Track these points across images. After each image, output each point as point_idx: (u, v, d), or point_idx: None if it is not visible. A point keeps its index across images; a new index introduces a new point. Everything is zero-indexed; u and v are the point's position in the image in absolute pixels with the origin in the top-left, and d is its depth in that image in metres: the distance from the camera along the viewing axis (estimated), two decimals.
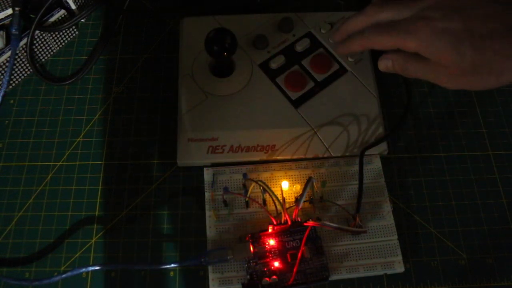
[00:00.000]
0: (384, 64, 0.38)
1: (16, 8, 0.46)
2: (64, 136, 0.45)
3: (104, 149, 0.45)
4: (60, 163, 0.44)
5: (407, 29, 0.34)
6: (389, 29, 0.36)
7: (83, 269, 0.38)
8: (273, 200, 0.38)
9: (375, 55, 0.47)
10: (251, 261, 0.37)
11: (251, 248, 0.37)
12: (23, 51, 0.47)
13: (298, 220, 0.38)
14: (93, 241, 0.40)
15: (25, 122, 0.46)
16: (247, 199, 0.40)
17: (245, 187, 0.41)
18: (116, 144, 0.45)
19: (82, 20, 0.50)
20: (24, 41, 0.47)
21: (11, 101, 0.47)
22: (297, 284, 0.36)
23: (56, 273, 0.39)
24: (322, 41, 0.47)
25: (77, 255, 0.40)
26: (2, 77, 0.46)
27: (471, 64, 0.32)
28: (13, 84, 0.48)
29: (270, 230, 0.38)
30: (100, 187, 0.43)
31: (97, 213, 0.42)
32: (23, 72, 0.48)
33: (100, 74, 0.49)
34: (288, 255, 0.37)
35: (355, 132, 0.43)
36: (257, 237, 0.37)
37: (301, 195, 0.38)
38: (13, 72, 0.47)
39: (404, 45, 0.35)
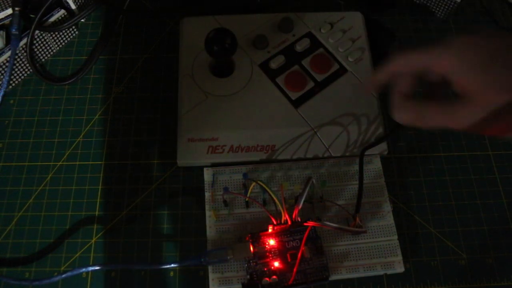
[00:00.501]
0: (400, 113, 0.34)
1: (16, 8, 0.46)
2: (64, 136, 0.45)
3: (104, 149, 0.45)
4: (60, 163, 0.44)
5: (438, 43, 0.31)
6: (418, 48, 0.33)
7: (83, 269, 0.38)
8: (273, 200, 0.38)
9: (375, 55, 0.47)
10: (251, 261, 0.37)
11: (251, 248, 0.37)
12: (23, 51, 0.47)
13: (298, 220, 0.38)
14: (93, 241, 0.40)
15: (25, 122, 0.46)
16: (247, 199, 0.40)
17: (245, 187, 0.41)
18: (116, 144, 0.45)
19: (82, 20, 0.50)
20: (24, 41, 0.47)
21: (11, 101, 0.47)
22: (297, 284, 0.36)
23: (56, 273, 0.39)
24: (322, 41, 0.47)
25: (77, 255, 0.40)
26: (2, 77, 0.46)
27: (482, 84, 0.29)
28: (13, 84, 0.48)
29: (270, 230, 0.38)
30: (100, 187, 0.43)
31: (97, 213, 0.42)
32: (23, 72, 0.48)
33: (100, 74, 0.49)
34: (288, 255, 0.37)
35: (355, 132, 0.43)
36: (257, 237, 0.37)
37: (301, 195, 0.38)
38: (13, 72, 0.47)
39: (434, 61, 0.32)
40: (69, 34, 0.50)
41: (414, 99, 0.34)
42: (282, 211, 0.38)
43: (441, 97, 0.35)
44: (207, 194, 0.41)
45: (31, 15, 0.47)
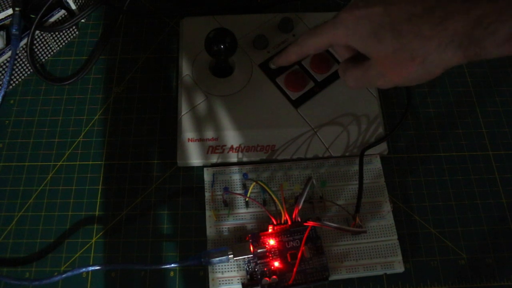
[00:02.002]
0: (339, 73, 0.39)
1: (17, 8, 0.46)
2: (64, 136, 0.45)
3: (104, 149, 0.45)
4: (60, 163, 0.44)
5: (334, 21, 0.35)
6: (318, 27, 0.37)
7: (83, 269, 0.38)
8: (273, 200, 0.38)
9: None
10: (251, 261, 0.37)
11: (251, 248, 0.37)
12: (23, 51, 0.47)
13: (298, 220, 0.38)
14: (93, 241, 0.41)
15: (25, 122, 0.46)
16: (247, 199, 0.40)
17: (245, 187, 0.41)
18: (116, 144, 0.45)
19: (82, 20, 0.50)
20: (24, 41, 0.47)
21: (11, 101, 0.47)
22: (297, 284, 0.36)
23: (56, 273, 0.39)
24: None
25: (77, 255, 0.40)
26: (2, 77, 0.46)
27: (392, 50, 0.32)
28: (13, 84, 0.48)
29: (270, 230, 0.38)
30: (100, 187, 0.43)
31: (97, 213, 0.42)
32: (23, 72, 0.48)
33: (100, 74, 0.49)
34: (288, 255, 0.37)
35: (355, 132, 0.43)
36: (257, 237, 0.37)
37: (301, 195, 0.38)
38: (13, 72, 0.47)
39: (334, 39, 0.35)
40: (69, 34, 0.50)
41: (346, 61, 0.38)
42: (282, 211, 0.38)
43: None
44: (207, 194, 0.41)
45: (32, 15, 0.47)
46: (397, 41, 0.31)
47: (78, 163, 0.44)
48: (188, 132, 0.43)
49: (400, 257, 0.38)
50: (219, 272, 0.37)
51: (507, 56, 0.28)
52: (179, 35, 0.48)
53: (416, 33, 0.30)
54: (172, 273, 0.39)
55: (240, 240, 0.39)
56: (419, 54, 0.31)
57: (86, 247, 0.40)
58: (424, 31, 0.30)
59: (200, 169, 0.43)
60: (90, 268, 0.38)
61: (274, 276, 0.36)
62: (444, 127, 0.46)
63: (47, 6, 0.47)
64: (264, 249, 0.37)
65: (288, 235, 0.38)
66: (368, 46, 0.33)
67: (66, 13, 0.49)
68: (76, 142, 0.45)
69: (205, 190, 0.41)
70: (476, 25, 0.28)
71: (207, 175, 0.41)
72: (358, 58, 0.37)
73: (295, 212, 0.38)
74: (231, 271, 0.37)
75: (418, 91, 0.48)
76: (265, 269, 0.37)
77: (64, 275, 0.37)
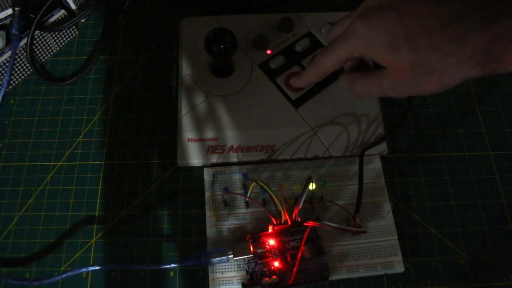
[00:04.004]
0: (340, 84, 0.39)
1: (16, 8, 0.46)
2: (64, 136, 0.45)
3: (104, 149, 0.45)
4: (60, 163, 0.44)
5: (346, 34, 0.34)
6: (331, 43, 0.36)
7: (83, 269, 0.38)
8: (273, 200, 0.38)
9: None
10: (251, 261, 0.37)
11: (251, 248, 0.37)
12: (23, 51, 0.47)
13: (298, 220, 0.38)
14: (93, 241, 0.41)
15: (25, 122, 0.46)
16: (247, 199, 0.40)
17: (245, 187, 0.41)
18: (116, 144, 0.45)
19: (82, 20, 0.50)
20: (24, 41, 0.47)
21: (11, 101, 0.47)
22: (297, 284, 0.36)
23: (56, 273, 0.39)
24: (322, 41, 0.47)
25: (77, 255, 0.40)
26: (2, 77, 0.46)
27: (409, 63, 0.31)
28: (13, 84, 0.48)
29: (270, 230, 0.38)
30: (100, 187, 0.43)
31: (97, 213, 0.42)
32: (23, 72, 0.48)
33: (100, 74, 0.49)
34: (288, 255, 0.37)
35: (355, 132, 0.43)
36: (257, 237, 0.37)
37: (301, 195, 0.38)
38: (13, 72, 0.47)
39: (348, 52, 0.35)
40: (69, 34, 0.50)
41: (352, 71, 0.38)
42: (282, 211, 0.38)
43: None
44: (207, 194, 0.41)
45: (31, 15, 0.47)
46: (415, 54, 0.31)
47: (78, 163, 0.44)
48: (188, 132, 0.43)
49: (400, 257, 0.38)
50: (219, 272, 0.37)
51: None
52: (179, 35, 0.48)
53: (435, 48, 0.30)
54: (172, 273, 0.39)
55: (240, 240, 0.39)
56: (437, 69, 0.30)
57: (86, 247, 0.40)
58: (443, 46, 0.30)
59: (200, 169, 0.43)
60: (90, 268, 0.38)
61: (274, 276, 0.36)
62: (444, 127, 0.46)
63: (47, 6, 0.47)
64: (264, 249, 0.37)
65: (288, 235, 0.38)
66: (384, 57, 0.32)
67: (66, 13, 0.49)
68: (76, 142, 0.45)
69: (205, 190, 0.41)
70: (494, 43, 0.28)
71: (207, 175, 0.41)
72: (365, 67, 0.36)
73: (295, 212, 0.38)
74: (231, 271, 0.37)
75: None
76: (265, 269, 0.37)
77: (64, 275, 0.37)
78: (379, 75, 0.34)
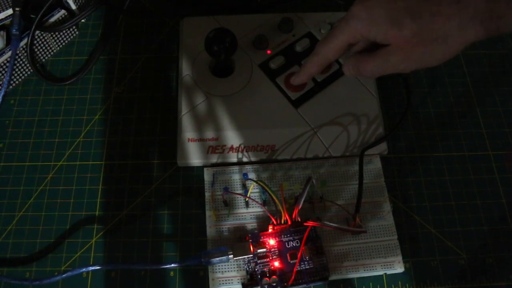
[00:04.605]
0: (345, 70, 0.39)
1: (17, 8, 0.46)
2: (65, 136, 0.45)
3: (104, 149, 0.45)
4: (61, 163, 0.44)
5: (346, 18, 0.34)
6: (331, 30, 0.36)
7: (84, 269, 0.38)
8: (273, 200, 0.38)
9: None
10: (251, 261, 0.37)
11: (251, 248, 0.37)
12: (23, 51, 0.47)
13: (298, 220, 0.38)
14: (93, 241, 0.41)
15: (25, 122, 0.46)
16: (247, 199, 0.40)
17: (245, 187, 0.41)
18: (116, 144, 0.45)
19: (83, 20, 0.50)
20: (25, 41, 0.47)
21: (12, 101, 0.47)
22: (297, 284, 0.36)
23: (56, 273, 0.39)
24: None
25: (77, 255, 0.40)
26: (2, 77, 0.46)
27: (412, 34, 0.31)
28: (14, 84, 0.48)
29: (270, 230, 0.38)
30: (100, 187, 0.43)
31: (97, 213, 0.42)
32: (24, 72, 0.48)
33: (100, 74, 0.49)
34: (288, 255, 0.37)
35: (355, 132, 0.43)
36: (257, 237, 0.37)
37: (301, 195, 0.38)
38: (14, 72, 0.47)
39: (350, 36, 0.35)
40: (70, 34, 0.50)
41: (355, 54, 0.38)
42: (282, 211, 0.38)
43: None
44: (207, 194, 0.41)
45: (32, 15, 0.47)
46: (416, 24, 0.31)
47: (78, 163, 0.44)
48: (188, 132, 0.43)
49: (400, 257, 0.38)
50: (219, 272, 0.37)
51: None
52: (179, 35, 0.49)
53: (435, 13, 0.30)
54: (172, 273, 0.39)
55: (240, 240, 0.39)
56: (440, 34, 0.30)
57: (86, 247, 0.40)
58: (443, 10, 0.30)
59: (200, 169, 0.43)
60: (90, 268, 0.38)
61: (274, 276, 0.36)
62: (444, 127, 0.46)
63: (47, 6, 0.47)
64: (264, 249, 0.37)
65: (288, 235, 0.38)
66: (387, 34, 0.33)
67: (66, 13, 0.49)
68: (76, 142, 0.45)
69: (205, 190, 0.41)
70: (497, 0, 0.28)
71: (207, 175, 0.41)
72: (369, 48, 0.36)
73: (295, 212, 0.38)
74: (231, 271, 0.37)
75: (418, 91, 0.48)
76: (265, 269, 0.37)
77: (64, 275, 0.37)
78: (385, 52, 0.34)
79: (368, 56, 0.36)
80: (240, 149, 0.43)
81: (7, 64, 0.46)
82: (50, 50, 0.49)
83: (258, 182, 0.39)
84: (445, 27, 0.30)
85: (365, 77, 0.37)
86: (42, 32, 0.48)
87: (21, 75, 0.48)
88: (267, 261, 0.37)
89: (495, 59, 0.50)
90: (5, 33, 0.47)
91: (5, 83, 0.46)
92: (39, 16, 0.47)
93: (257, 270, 0.37)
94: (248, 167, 0.42)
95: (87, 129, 0.46)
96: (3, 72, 0.46)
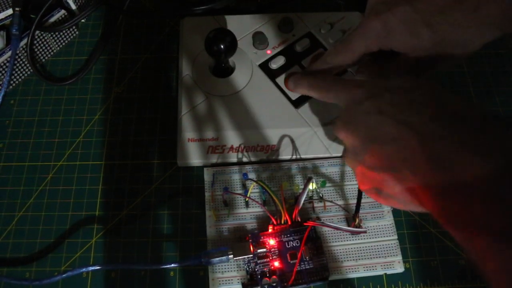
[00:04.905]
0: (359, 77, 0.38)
1: (17, 8, 0.46)
2: (64, 136, 0.45)
3: (104, 149, 0.45)
4: (61, 163, 0.44)
5: (363, 32, 0.35)
6: (345, 42, 0.36)
7: (83, 269, 0.38)
8: (273, 200, 0.38)
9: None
10: (251, 261, 0.37)
11: (251, 248, 0.37)
12: (23, 51, 0.47)
13: (298, 220, 0.38)
14: (93, 241, 0.41)
15: (25, 122, 0.46)
16: (247, 199, 0.40)
17: (245, 187, 0.41)
18: (116, 144, 0.45)
19: (83, 20, 0.50)
20: (25, 41, 0.47)
21: (12, 101, 0.47)
22: (297, 284, 0.36)
23: (56, 273, 0.39)
24: (322, 41, 0.47)
25: (77, 255, 0.40)
26: (2, 77, 0.46)
27: (433, 44, 0.32)
28: (14, 84, 0.48)
29: (270, 230, 0.38)
30: (100, 187, 0.43)
31: (97, 213, 0.42)
32: (24, 72, 0.48)
33: (100, 74, 0.49)
34: (288, 255, 0.37)
35: None
36: (257, 237, 0.37)
37: (301, 195, 0.38)
38: (14, 72, 0.47)
39: (367, 47, 0.35)
40: (70, 34, 0.50)
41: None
42: (282, 211, 0.38)
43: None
44: (207, 194, 0.41)
45: (32, 15, 0.47)
46: (435, 35, 0.31)
47: (78, 163, 0.44)
48: (188, 132, 0.43)
49: (400, 257, 0.38)
50: (219, 272, 0.37)
51: None
52: (179, 35, 0.48)
53: (452, 23, 0.31)
54: (172, 273, 0.39)
55: (240, 240, 0.39)
56: (460, 42, 0.31)
57: (86, 247, 0.40)
58: (461, 21, 0.30)
59: (200, 169, 0.43)
60: (90, 268, 0.38)
61: (274, 276, 0.36)
62: None
63: (47, 6, 0.47)
64: (264, 249, 0.37)
65: (288, 235, 0.38)
66: (406, 45, 0.33)
67: (66, 13, 0.49)
68: (76, 142, 0.45)
69: (205, 190, 0.41)
70: (510, 4, 0.28)
71: (207, 175, 0.41)
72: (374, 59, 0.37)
73: (295, 212, 0.38)
74: (231, 271, 0.37)
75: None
76: (265, 269, 0.37)
77: (64, 275, 0.37)
78: (405, 61, 0.35)
79: (380, 67, 0.37)
80: (240, 149, 0.43)
81: (7, 64, 0.46)
82: (50, 50, 0.49)
83: (258, 182, 0.39)
84: (465, 35, 0.31)
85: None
86: (42, 32, 0.48)
87: (21, 75, 0.48)
88: (267, 261, 0.37)
89: (495, 59, 0.50)
90: (5, 33, 0.47)
91: (5, 83, 0.46)
92: (39, 16, 0.47)
93: (257, 270, 0.37)
94: (248, 167, 0.42)
95: (87, 129, 0.46)
96: (3, 72, 0.46)
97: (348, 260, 0.38)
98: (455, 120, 0.26)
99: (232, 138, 0.43)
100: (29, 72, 0.49)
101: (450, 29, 0.31)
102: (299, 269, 0.36)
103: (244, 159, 0.42)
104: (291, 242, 0.37)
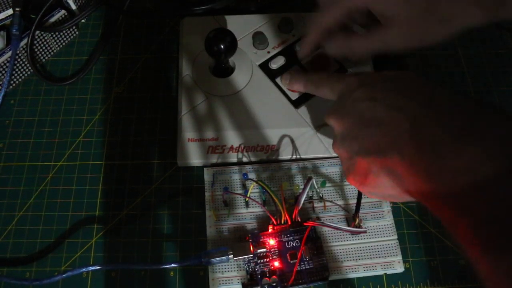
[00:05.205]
0: (330, 48, 0.39)
1: (17, 9, 0.46)
2: (65, 136, 0.45)
3: (104, 149, 0.45)
4: (61, 163, 0.44)
5: None
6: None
7: (84, 269, 0.38)
8: (273, 200, 0.38)
9: (375, 54, 0.47)
10: (251, 261, 0.37)
11: (251, 248, 0.37)
12: (23, 51, 0.47)
13: (298, 220, 0.38)
14: (93, 241, 0.41)
15: (25, 122, 0.46)
16: (247, 199, 0.40)
17: (245, 187, 0.41)
18: (116, 144, 0.45)
19: (83, 20, 0.50)
20: (25, 41, 0.47)
21: (12, 101, 0.47)
22: (297, 284, 0.36)
23: (56, 273, 0.39)
24: None
25: (78, 255, 0.40)
26: (2, 77, 0.46)
27: (420, 11, 0.32)
28: (14, 84, 0.48)
29: (270, 230, 0.38)
30: (100, 187, 0.43)
31: (97, 213, 0.42)
32: (24, 72, 0.48)
33: (100, 74, 0.49)
34: (288, 255, 0.37)
35: None
36: (257, 237, 0.37)
37: (301, 195, 0.38)
38: (14, 72, 0.47)
39: (353, 3, 0.35)
40: (70, 34, 0.50)
41: (340, 33, 0.39)
42: (282, 211, 0.38)
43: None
44: (207, 194, 0.41)
45: (32, 16, 0.47)
46: (427, 3, 0.32)
47: (78, 163, 0.44)
48: (188, 132, 0.43)
49: (400, 257, 0.38)
50: (219, 272, 0.37)
51: None
52: (179, 35, 0.48)
53: None
54: (172, 273, 0.39)
55: (240, 240, 0.39)
56: (445, 16, 0.32)
57: (86, 247, 0.40)
58: None
59: (200, 169, 0.43)
60: (90, 268, 0.38)
61: (274, 276, 0.36)
62: None
63: (47, 6, 0.47)
64: (264, 249, 0.37)
65: (288, 235, 0.38)
66: (396, 9, 0.33)
67: (66, 13, 0.49)
68: (76, 142, 0.45)
69: (205, 190, 0.41)
70: None
71: (207, 175, 0.41)
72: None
73: (295, 212, 0.38)
74: (231, 271, 0.37)
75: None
76: (265, 269, 0.37)
77: (64, 275, 0.37)
78: (384, 27, 0.35)
79: (362, 33, 0.37)
80: (240, 149, 0.43)
81: (7, 64, 0.46)
82: (50, 50, 0.49)
83: (258, 182, 0.39)
84: (451, 9, 0.31)
85: (356, 57, 0.38)
86: (42, 32, 0.48)
87: (21, 75, 0.48)
88: (267, 261, 0.37)
89: (495, 59, 0.50)
90: (5, 33, 0.47)
91: (5, 83, 0.46)
92: (39, 16, 0.47)
93: (257, 270, 0.37)
94: (248, 167, 0.42)
95: (87, 129, 0.46)
96: (3, 72, 0.46)
97: (348, 260, 0.38)
98: (447, 108, 0.27)
99: (232, 138, 0.43)
100: (29, 72, 0.49)
101: (441, 0, 0.32)
102: (299, 269, 0.36)
103: (244, 159, 0.42)
104: (291, 242, 0.37)
